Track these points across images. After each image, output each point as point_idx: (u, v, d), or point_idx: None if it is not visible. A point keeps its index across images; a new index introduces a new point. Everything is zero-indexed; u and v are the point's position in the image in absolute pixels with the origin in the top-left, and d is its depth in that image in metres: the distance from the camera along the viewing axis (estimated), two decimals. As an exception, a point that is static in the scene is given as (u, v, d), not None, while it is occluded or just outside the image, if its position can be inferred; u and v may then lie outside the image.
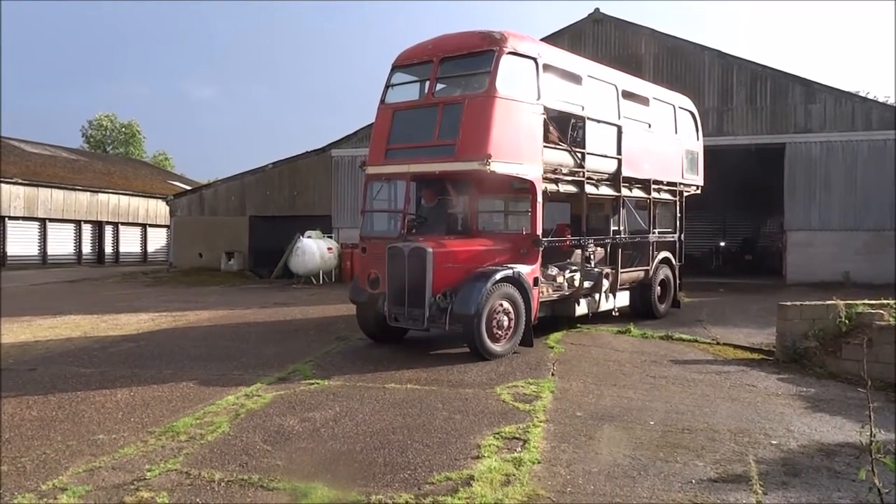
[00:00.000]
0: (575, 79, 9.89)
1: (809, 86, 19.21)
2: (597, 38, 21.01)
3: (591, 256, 10.39)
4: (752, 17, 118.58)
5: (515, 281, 8.45)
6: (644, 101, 11.67)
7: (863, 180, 18.45)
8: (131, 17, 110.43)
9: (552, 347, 8.93)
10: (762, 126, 19.49)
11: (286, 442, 5.19)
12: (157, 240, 36.73)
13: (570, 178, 9.68)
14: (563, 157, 9.53)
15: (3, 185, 28.44)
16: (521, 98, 8.70)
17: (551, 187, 9.25)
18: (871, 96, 29.46)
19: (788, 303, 8.48)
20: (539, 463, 4.69)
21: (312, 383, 6.98)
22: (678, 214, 12.83)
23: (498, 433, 5.31)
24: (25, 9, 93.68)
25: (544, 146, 9.01)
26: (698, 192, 13.60)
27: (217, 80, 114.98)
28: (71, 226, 32.09)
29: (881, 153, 18.31)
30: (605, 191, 10.55)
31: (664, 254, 12.31)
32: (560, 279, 9.81)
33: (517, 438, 5.20)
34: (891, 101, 34.05)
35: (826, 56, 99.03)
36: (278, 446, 5.09)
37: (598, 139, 10.17)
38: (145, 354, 8.77)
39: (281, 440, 5.22)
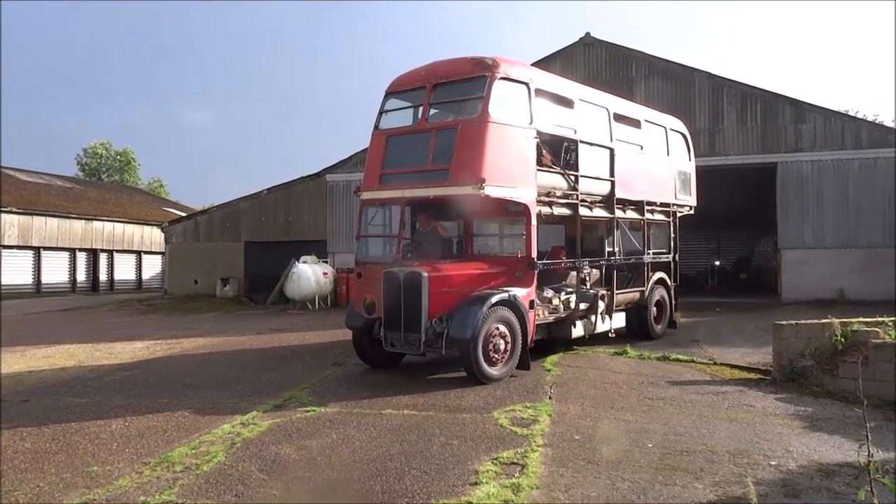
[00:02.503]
0: (567, 102, 9.99)
1: (799, 106, 19.42)
2: (588, 61, 21.26)
3: (587, 278, 10.42)
4: (741, 39, 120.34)
5: (511, 304, 8.45)
6: (636, 123, 11.78)
7: (854, 198, 18.59)
8: (123, 40, 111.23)
9: (549, 370, 8.91)
10: (753, 146, 19.67)
11: (282, 471, 5.14)
12: (152, 267, 36.61)
13: (563, 201, 9.73)
14: (556, 180, 9.60)
15: (-1, 214, 28.41)
16: (513, 122, 8.78)
17: (545, 210, 9.29)
18: (860, 115, 29.82)
19: (784, 322, 8.50)
20: (538, 488, 4.66)
21: (309, 410, 6.94)
22: (672, 235, 12.89)
23: (496, 458, 5.27)
24: (17, 32, 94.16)
25: (538, 169, 9.07)
26: (692, 212, 13.67)
27: (210, 103, 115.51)
28: (65, 254, 31.98)
29: (871, 171, 18.48)
30: (599, 213, 10.61)
31: (659, 274, 12.33)
32: (556, 301, 9.81)
33: (515, 463, 5.17)
34: (879, 119, 34.45)
35: (815, 75, 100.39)
36: (275, 475, 5.04)
37: (590, 162, 10.24)
38: (140, 383, 8.71)
39: (277, 469, 5.18)
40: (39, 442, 6.04)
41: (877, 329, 7.85)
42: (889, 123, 29.10)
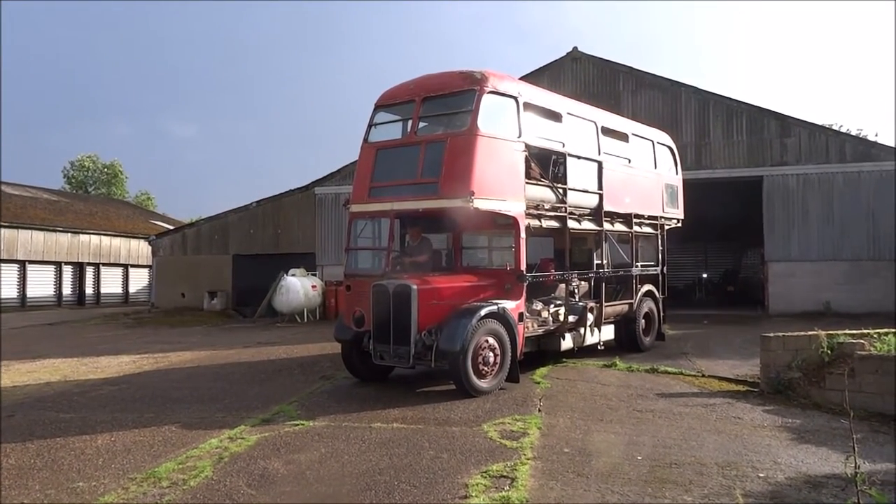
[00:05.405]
0: (555, 116, 10.07)
1: (784, 120, 19.66)
2: (576, 75, 21.45)
3: (576, 291, 10.45)
4: (722, 55, 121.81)
5: (500, 317, 8.46)
6: (623, 137, 11.88)
7: (839, 211, 18.81)
8: (112, 55, 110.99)
9: (538, 383, 8.91)
10: (739, 159, 19.87)
11: (271, 486, 5.10)
12: (139, 280, 36.33)
13: (552, 214, 9.78)
14: (545, 193, 9.65)
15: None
16: (502, 136, 8.83)
17: (534, 223, 9.34)
18: (843, 129, 30.26)
19: (771, 334, 8.56)
20: (527, 502, 4.65)
21: (297, 424, 6.89)
22: (660, 247, 12.95)
23: (485, 472, 5.26)
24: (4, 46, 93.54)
25: (526, 182, 9.12)
26: (679, 225, 13.77)
27: (198, 117, 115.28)
28: (51, 267, 31.71)
29: (855, 184, 18.72)
30: (588, 225, 10.66)
31: (647, 287, 12.39)
32: (545, 314, 9.83)
33: (505, 476, 5.15)
34: (862, 133, 34.93)
35: (799, 90, 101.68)
36: (263, 490, 5.00)
37: (579, 175, 10.31)
38: (126, 398, 8.62)
39: (265, 484, 5.14)
40: (24, 458, 5.96)
41: (862, 341, 7.92)
42: (872, 137, 29.49)
